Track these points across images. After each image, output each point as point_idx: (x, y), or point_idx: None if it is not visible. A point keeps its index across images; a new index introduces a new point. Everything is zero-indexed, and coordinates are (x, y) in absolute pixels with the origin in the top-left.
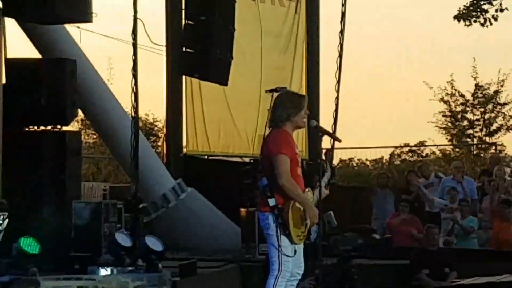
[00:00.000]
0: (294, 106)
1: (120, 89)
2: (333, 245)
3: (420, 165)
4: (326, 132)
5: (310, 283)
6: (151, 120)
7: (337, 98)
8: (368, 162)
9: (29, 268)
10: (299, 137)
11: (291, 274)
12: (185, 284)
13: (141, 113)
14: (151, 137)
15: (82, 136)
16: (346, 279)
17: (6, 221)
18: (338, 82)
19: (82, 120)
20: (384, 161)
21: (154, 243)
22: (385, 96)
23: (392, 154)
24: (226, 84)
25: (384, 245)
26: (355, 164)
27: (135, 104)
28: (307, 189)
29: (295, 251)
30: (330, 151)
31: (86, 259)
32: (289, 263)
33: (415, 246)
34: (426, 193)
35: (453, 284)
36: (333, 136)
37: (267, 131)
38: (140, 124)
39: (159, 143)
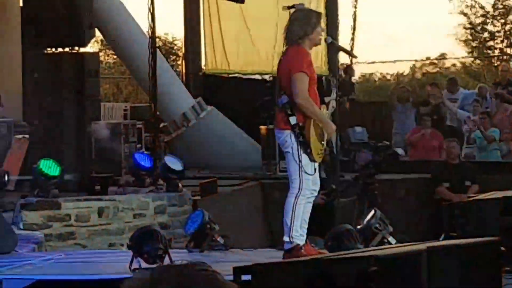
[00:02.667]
0: (310, 23)
1: (138, 9)
2: (352, 161)
3: (449, 79)
4: (341, 48)
5: (322, 197)
6: (171, 39)
7: (354, 13)
8: (389, 76)
9: (50, 190)
10: (318, 53)
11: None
12: (205, 202)
13: (160, 33)
14: (170, 56)
15: (102, 57)
16: (366, 194)
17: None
18: None
19: (102, 40)
20: (405, 74)
21: (173, 163)
22: (405, 9)
23: (413, 68)
24: (242, 2)
25: (405, 160)
26: (376, 79)
27: (151, 23)
28: (322, 106)
29: (315, 169)
30: (349, 67)
31: (107, 179)
32: (309, 181)
33: (436, 160)
34: (449, 104)
35: (470, 199)
36: (348, 52)
37: (284, 48)
38: (159, 43)
39: (179, 62)
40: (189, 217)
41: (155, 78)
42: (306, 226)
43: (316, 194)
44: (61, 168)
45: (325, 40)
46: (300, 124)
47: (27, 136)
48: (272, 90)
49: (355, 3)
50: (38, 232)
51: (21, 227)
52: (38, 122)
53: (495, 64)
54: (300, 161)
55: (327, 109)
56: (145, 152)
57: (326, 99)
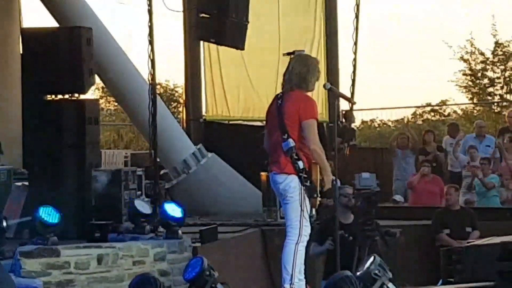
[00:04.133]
0: (310, 69)
1: (139, 57)
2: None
3: (449, 124)
4: (340, 95)
5: (331, 244)
6: (172, 86)
7: (354, 59)
8: (390, 123)
9: (49, 237)
10: (319, 99)
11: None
12: (205, 249)
13: (162, 79)
14: (172, 103)
15: (103, 104)
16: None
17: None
18: (356, 43)
19: (102, 87)
20: (406, 121)
21: (174, 210)
22: (405, 56)
23: (414, 114)
24: (242, 48)
25: (405, 206)
26: (377, 125)
27: (152, 70)
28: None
29: (311, 216)
30: (348, 112)
31: (107, 227)
32: (308, 227)
33: (437, 206)
34: (452, 150)
35: (467, 244)
36: (347, 98)
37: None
38: (161, 90)
39: (180, 109)
40: (188, 263)
41: (155, 124)
42: (303, 271)
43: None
44: (60, 215)
45: (324, 86)
46: (306, 169)
47: (26, 183)
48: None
49: (355, 49)
50: (37, 279)
51: (20, 274)
52: (38, 169)
53: (496, 111)
54: (302, 207)
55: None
56: (145, 199)
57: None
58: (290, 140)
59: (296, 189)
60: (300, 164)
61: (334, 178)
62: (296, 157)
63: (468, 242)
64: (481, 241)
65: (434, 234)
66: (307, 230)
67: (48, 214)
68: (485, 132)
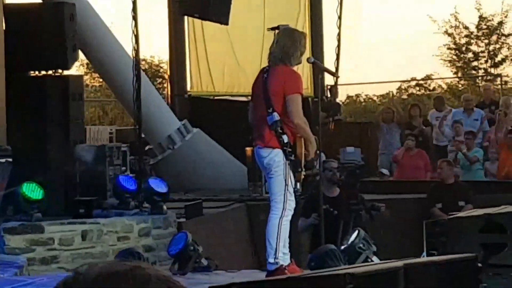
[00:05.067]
0: (296, 43)
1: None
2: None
3: (435, 97)
4: (324, 69)
5: (316, 218)
6: (157, 62)
7: (338, 34)
8: (375, 97)
9: (33, 214)
10: (304, 73)
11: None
12: (190, 225)
13: (146, 55)
14: (157, 78)
15: (88, 80)
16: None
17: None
18: (340, 17)
19: (87, 64)
20: (391, 96)
21: (158, 185)
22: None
23: (399, 89)
24: (226, 23)
25: (390, 180)
26: (362, 100)
27: (135, 45)
28: None
29: (295, 189)
30: (333, 87)
31: (91, 203)
32: (292, 202)
33: (422, 180)
34: (438, 124)
35: (449, 217)
36: (331, 72)
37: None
38: (146, 66)
39: (165, 85)
40: (172, 239)
41: (140, 100)
42: (288, 245)
43: (292, 212)
44: (44, 192)
45: (308, 60)
46: (291, 143)
47: (10, 159)
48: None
49: (339, 23)
50: (21, 256)
51: (4, 251)
52: (22, 146)
53: (480, 84)
54: (286, 181)
55: None
56: (130, 174)
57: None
58: (275, 114)
59: (280, 163)
60: (285, 138)
61: (318, 151)
62: (280, 131)
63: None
64: (465, 213)
65: (428, 208)
66: (291, 204)
67: (32, 190)
68: (472, 105)
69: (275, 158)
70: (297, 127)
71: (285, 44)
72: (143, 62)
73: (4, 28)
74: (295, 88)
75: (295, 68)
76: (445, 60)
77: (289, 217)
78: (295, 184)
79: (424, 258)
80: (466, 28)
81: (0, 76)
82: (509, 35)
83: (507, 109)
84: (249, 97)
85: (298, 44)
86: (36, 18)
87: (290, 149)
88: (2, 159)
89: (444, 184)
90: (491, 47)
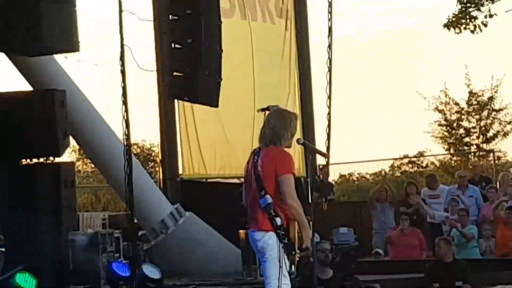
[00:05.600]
0: (286, 124)
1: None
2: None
3: (427, 175)
4: (313, 149)
5: None
6: (148, 146)
7: (329, 113)
8: (368, 176)
9: None
10: (295, 154)
11: None
12: None
13: (138, 139)
14: (149, 163)
15: (80, 166)
16: None
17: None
18: (329, 97)
19: (79, 150)
20: (384, 174)
21: (151, 271)
22: (380, 108)
23: (392, 166)
24: (216, 106)
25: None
26: (355, 179)
27: (126, 131)
28: None
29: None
30: (325, 167)
31: None
32: (287, 285)
33: (417, 260)
34: (426, 208)
35: None
36: (320, 153)
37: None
38: (137, 150)
39: (158, 169)
40: None
41: (132, 185)
42: None
43: None
44: (37, 281)
45: (297, 141)
46: (284, 225)
47: (2, 249)
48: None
49: (329, 103)
50: None
51: None
52: (14, 235)
53: (472, 160)
54: (281, 263)
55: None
56: (123, 261)
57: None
58: (268, 196)
59: (274, 247)
60: (278, 220)
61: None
62: (273, 213)
63: None
64: None
65: None
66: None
67: (25, 280)
68: (466, 182)
69: (269, 241)
70: (290, 207)
71: (275, 125)
72: (134, 146)
73: None
74: (287, 168)
75: (287, 149)
76: (436, 137)
77: None
78: (290, 267)
79: None
80: (456, 104)
81: None
82: (500, 110)
83: (507, 184)
84: (242, 179)
85: (288, 125)
86: (26, 106)
87: (283, 232)
88: None
89: (441, 263)
90: (482, 123)
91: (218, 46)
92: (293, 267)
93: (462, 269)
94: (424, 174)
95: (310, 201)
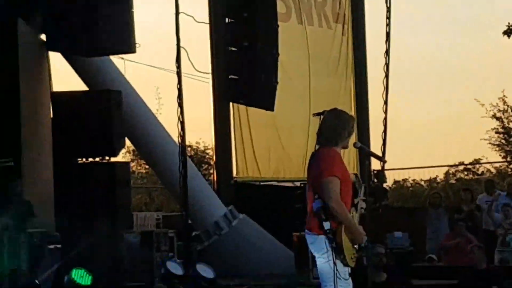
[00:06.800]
0: (352, 126)
1: (169, 119)
2: None
3: (486, 181)
4: (370, 153)
5: None
6: (202, 148)
7: (385, 118)
8: (422, 182)
9: None
10: (350, 158)
11: None
12: None
13: (192, 141)
14: (203, 165)
15: (135, 167)
16: None
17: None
18: (386, 102)
19: (133, 150)
20: (438, 180)
21: (205, 271)
22: (437, 115)
23: (446, 173)
24: (272, 109)
25: (439, 265)
26: (409, 185)
27: (181, 132)
28: (352, 209)
29: (349, 274)
30: (380, 172)
31: None
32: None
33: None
34: (487, 209)
35: None
36: (376, 156)
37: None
38: (191, 152)
39: (211, 171)
40: None
41: (186, 187)
42: None
43: None
44: (92, 278)
45: (354, 145)
46: (334, 229)
47: (59, 246)
48: (304, 197)
49: (385, 108)
50: None
51: None
52: (70, 232)
53: None
54: (334, 267)
55: (356, 211)
56: (177, 260)
57: (355, 201)
58: (318, 200)
59: (324, 250)
60: (326, 225)
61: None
62: (324, 217)
63: None
64: None
65: None
66: None
67: (81, 276)
68: None
69: (320, 244)
70: (332, 210)
71: (332, 122)
72: (188, 149)
73: (52, 115)
74: (329, 170)
75: (342, 151)
76: (493, 144)
77: None
78: (345, 270)
79: None
80: None
81: (48, 163)
82: None
83: None
84: (295, 182)
85: (346, 124)
86: (83, 106)
87: (332, 236)
88: (51, 245)
89: (476, 270)
90: None
91: (275, 50)
92: (348, 269)
93: (496, 275)
94: (480, 182)
95: (364, 205)
